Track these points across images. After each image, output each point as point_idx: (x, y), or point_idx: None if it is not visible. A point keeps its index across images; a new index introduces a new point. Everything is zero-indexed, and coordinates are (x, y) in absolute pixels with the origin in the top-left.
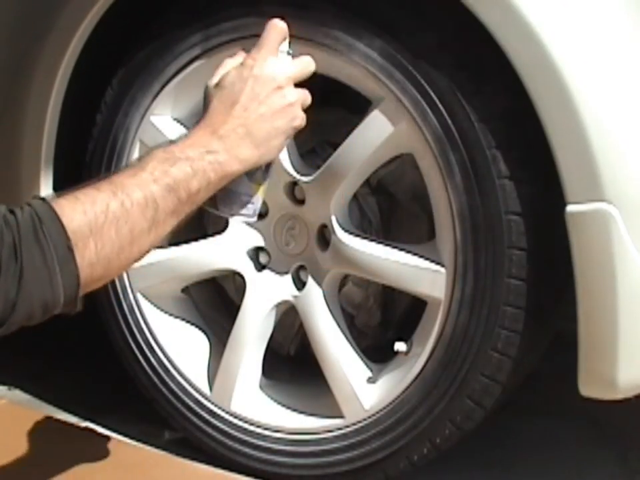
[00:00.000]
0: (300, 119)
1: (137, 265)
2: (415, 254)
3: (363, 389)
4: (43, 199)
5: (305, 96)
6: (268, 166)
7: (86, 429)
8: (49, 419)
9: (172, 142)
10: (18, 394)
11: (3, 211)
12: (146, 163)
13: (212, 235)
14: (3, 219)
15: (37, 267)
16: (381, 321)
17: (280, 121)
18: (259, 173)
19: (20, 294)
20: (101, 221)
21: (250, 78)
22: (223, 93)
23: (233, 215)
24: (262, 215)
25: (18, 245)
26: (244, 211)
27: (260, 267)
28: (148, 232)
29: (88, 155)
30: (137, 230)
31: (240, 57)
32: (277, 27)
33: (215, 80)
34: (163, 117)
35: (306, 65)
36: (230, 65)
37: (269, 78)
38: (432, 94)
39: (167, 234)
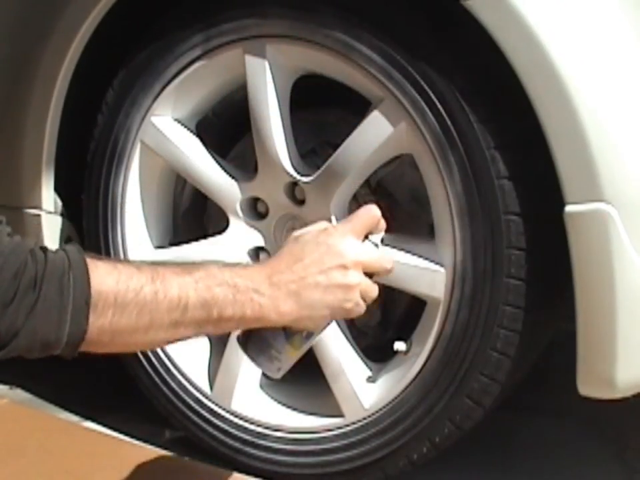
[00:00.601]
0: (354, 304)
1: None
2: (415, 254)
3: (363, 388)
4: (80, 249)
5: (370, 287)
6: (309, 335)
7: (87, 428)
8: (50, 418)
9: (229, 265)
10: (19, 393)
11: (32, 245)
12: (195, 269)
13: (213, 235)
14: (30, 253)
15: (51, 306)
16: (380, 321)
17: (331, 296)
18: (298, 337)
19: (26, 325)
20: (129, 298)
21: (323, 245)
22: (294, 246)
23: (256, 362)
24: (262, 215)
25: (40, 279)
26: (268, 364)
27: None
28: (166, 329)
29: (89, 156)
30: (157, 322)
31: (327, 223)
32: (371, 213)
33: (298, 232)
34: (163, 118)
35: (383, 261)
36: (318, 226)
37: (339, 252)
38: (431, 95)
39: (180, 340)
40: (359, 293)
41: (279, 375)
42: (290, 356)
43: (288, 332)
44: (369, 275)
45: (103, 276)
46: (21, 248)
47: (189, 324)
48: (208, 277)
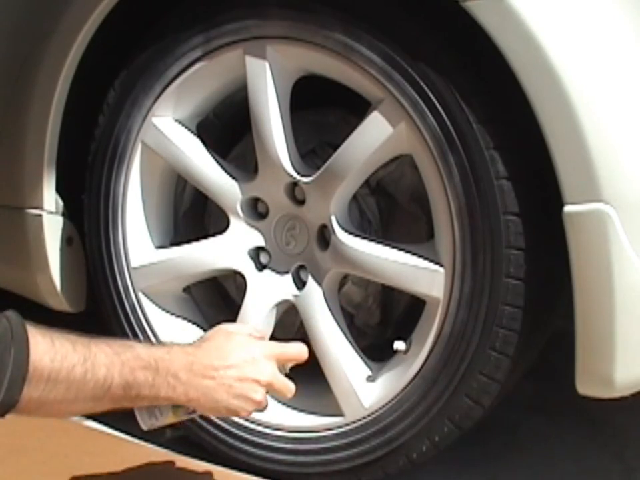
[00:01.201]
0: (245, 414)
1: (138, 264)
2: (414, 254)
3: (363, 388)
4: (22, 322)
5: (265, 404)
6: (193, 412)
7: (88, 427)
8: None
9: (156, 345)
10: None
11: None
12: (124, 350)
13: (213, 235)
14: None
15: None
16: (380, 320)
17: (236, 401)
18: (183, 409)
19: None
20: (61, 376)
21: (250, 354)
22: (224, 343)
23: (137, 411)
24: (262, 216)
25: None
26: (146, 418)
27: (260, 267)
28: (86, 402)
29: (90, 156)
30: (81, 397)
31: (260, 334)
32: (301, 354)
33: (232, 327)
34: (164, 119)
35: (287, 391)
36: (249, 330)
37: (260, 370)
38: (431, 95)
39: (95, 411)
40: (255, 408)
41: (146, 428)
42: (168, 420)
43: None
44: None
45: (41, 353)
46: None
47: (109, 400)
48: (134, 359)
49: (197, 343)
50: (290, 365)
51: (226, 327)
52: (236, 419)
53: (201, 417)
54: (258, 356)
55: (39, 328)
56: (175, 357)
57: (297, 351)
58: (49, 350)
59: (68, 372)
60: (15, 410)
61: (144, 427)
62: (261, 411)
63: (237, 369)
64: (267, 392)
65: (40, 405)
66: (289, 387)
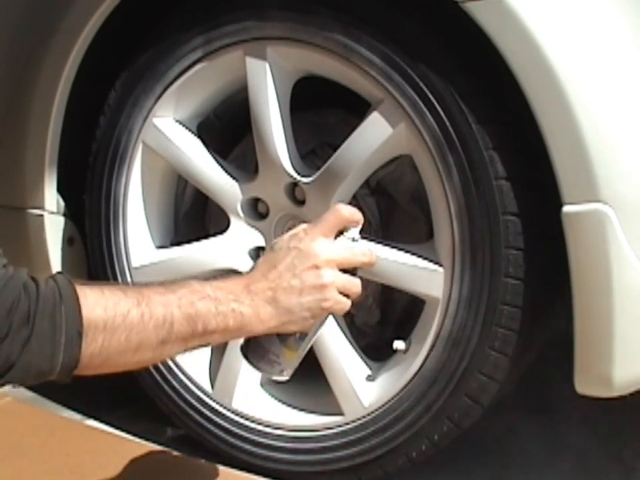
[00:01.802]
0: (333, 302)
1: (139, 264)
2: (414, 254)
3: (362, 387)
4: (69, 280)
5: (349, 283)
6: (303, 336)
7: (89, 426)
8: (52, 416)
9: (209, 279)
10: (22, 391)
11: (24, 278)
12: (178, 287)
13: (213, 235)
14: (22, 286)
15: (45, 340)
16: (380, 320)
17: (308, 297)
18: (292, 339)
19: (20, 358)
20: (117, 323)
21: (294, 250)
22: (269, 255)
23: (258, 368)
24: (263, 216)
25: (33, 315)
26: (269, 368)
27: None
28: (154, 348)
29: (91, 156)
30: (145, 342)
31: (300, 227)
32: (338, 213)
33: (274, 241)
34: (165, 119)
35: (358, 255)
36: (291, 232)
37: (309, 254)
38: (430, 96)
39: (168, 357)
40: (337, 290)
41: (284, 377)
42: (288, 358)
43: (281, 336)
44: (349, 271)
45: (92, 305)
46: (13, 282)
47: (176, 340)
48: (190, 293)
49: (250, 268)
50: (355, 229)
51: (270, 244)
52: (238, 418)
53: (203, 416)
54: (301, 245)
55: (87, 283)
56: (230, 283)
57: (334, 216)
58: (100, 300)
59: (124, 317)
60: (79, 369)
61: (280, 376)
62: (353, 293)
63: (288, 268)
64: (345, 272)
65: (104, 358)
66: (358, 250)
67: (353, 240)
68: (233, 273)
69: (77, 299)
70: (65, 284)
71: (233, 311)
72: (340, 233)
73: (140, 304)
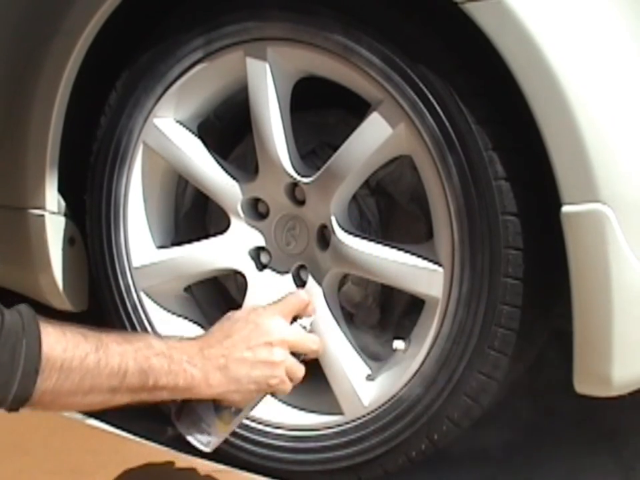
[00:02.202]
0: (279, 381)
1: (139, 264)
2: (413, 254)
3: (362, 386)
4: (34, 315)
5: (295, 367)
6: (238, 411)
7: (90, 425)
8: (53, 415)
9: (166, 337)
10: None
11: None
12: (136, 340)
13: (214, 235)
14: None
15: (2, 370)
16: (379, 320)
17: (257, 371)
18: (227, 412)
19: None
20: (74, 365)
21: (252, 323)
22: (225, 324)
23: (188, 434)
24: (263, 216)
25: None
26: (199, 437)
27: (261, 267)
28: (104, 394)
29: (92, 157)
30: (96, 388)
31: (258, 305)
32: (299, 298)
33: (231, 312)
34: (165, 120)
35: (309, 342)
36: (252, 305)
37: (266, 331)
38: (430, 97)
39: (113, 405)
40: (284, 371)
41: (209, 449)
42: (219, 430)
43: (217, 406)
44: (296, 355)
45: (52, 343)
46: None
47: (126, 390)
48: (146, 348)
49: (205, 332)
50: (308, 319)
51: (227, 314)
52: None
53: None
54: (260, 320)
55: (50, 321)
56: (187, 345)
57: (296, 299)
58: (61, 340)
59: (81, 360)
60: (30, 403)
61: (204, 448)
62: (296, 378)
63: (243, 340)
64: (292, 355)
65: (55, 396)
66: (309, 337)
67: (305, 328)
68: (233, 272)
69: (39, 335)
70: (30, 319)
71: (184, 372)
72: (294, 318)
73: (98, 350)
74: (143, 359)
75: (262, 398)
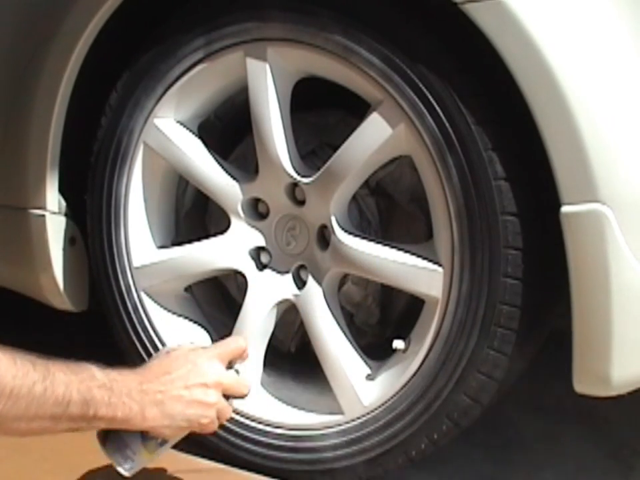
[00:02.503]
0: (210, 421)
1: (140, 264)
2: (413, 254)
3: (362, 386)
4: None
5: (226, 409)
6: (163, 442)
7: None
8: None
9: (107, 369)
10: None
11: None
12: (80, 370)
13: (214, 235)
14: None
15: None
16: (379, 319)
17: (191, 410)
18: (154, 442)
19: None
20: (22, 393)
21: (190, 363)
22: (165, 359)
23: (112, 458)
24: (263, 216)
25: None
26: (122, 462)
27: (261, 267)
28: (46, 421)
29: (93, 157)
30: (40, 415)
31: (199, 345)
32: (238, 344)
33: (171, 347)
34: (166, 120)
35: (241, 387)
36: (192, 346)
37: (203, 372)
38: (430, 97)
39: (52, 432)
40: (215, 412)
41: (129, 474)
42: (143, 458)
43: (145, 436)
44: (226, 397)
45: (3, 370)
46: None
47: (67, 419)
48: (90, 379)
49: (144, 365)
50: (238, 362)
51: (165, 349)
52: (238, 417)
53: None
54: (199, 361)
55: (1, 347)
56: (127, 378)
57: (235, 345)
58: (11, 367)
59: (29, 389)
60: None
61: (126, 473)
62: (224, 418)
63: (182, 379)
64: (225, 396)
65: (1, 421)
66: (242, 382)
67: (236, 371)
68: (234, 272)
69: None
70: None
71: (123, 404)
72: (229, 362)
73: (45, 379)
74: (86, 390)
75: (187, 433)
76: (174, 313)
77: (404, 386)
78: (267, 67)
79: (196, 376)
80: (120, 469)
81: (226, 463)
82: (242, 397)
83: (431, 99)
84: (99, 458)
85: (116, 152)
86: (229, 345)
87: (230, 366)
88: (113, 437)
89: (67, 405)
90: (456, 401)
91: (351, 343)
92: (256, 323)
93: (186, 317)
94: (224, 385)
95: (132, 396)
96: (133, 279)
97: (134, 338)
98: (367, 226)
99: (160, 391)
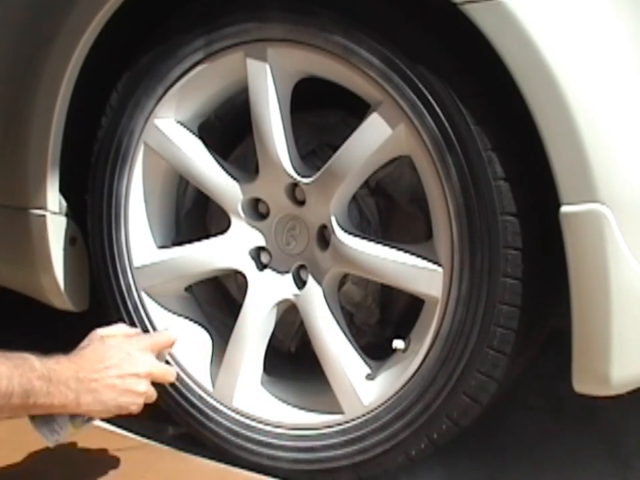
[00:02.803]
0: (137, 407)
1: (140, 264)
2: (413, 253)
3: (362, 386)
4: None
5: (153, 395)
6: (89, 420)
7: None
8: None
9: (45, 359)
10: None
11: None
12: (20, 362)
13: (214, 235)
14: None
15: None
16: (379, 319)
17: (124, 398)
18: (80, 419)
19: None
20: None
21: (124, 353)
22: (100, 347)
23: (39, 430)
24: (263, 216)
25: None
26: (48, 436)
27: (261, 267)
28: None
29: (93, 157)
30: None
31: (134, 331)
32: (168, 337)
33: (104, 331)
34: (166, 120)
35: (169, 375)
36: (123, 330)
37: (136, 363)
38: (429, 97)
39: None
40: (144, 399)
41: (53, 445)
42: (69, 433)
43: (73, 414)
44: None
45: None
46: None
47: (9, 409)
48: (30, 371)
49: (77, 351)
50: (166, 352)
51: (99, 331)
52: (239, 417)
53: (204, 415)
54: (132, 351)
55: None
56: (64, 367)
57: (166, 337)
58: None
59: None
60: None
61: (50, 443)
62: (150, 401)
63: (116, 368)
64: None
65: None
66: (169, 371)
67: (167, 362)
68: (234, 272)
69: None
70: None
71: (60, 393)
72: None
73: None
74: (27, 382)
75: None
76: (174, 313)
77: (404, 385)
78: (267, 67)
79: (129, 366)
80: (46, 441)
81: (226, 463)
82: (169, 383)
83: (431, 99)
84: (100, 457)
85: (116, 152)
86: (161, 336)
87: (159, 356)
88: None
89: (9, 397)
90: (456, 400)
91: (350, 342)
92: (256, 322)
93: (186, 317)
94: (154, 374)
95: (68, 385)
96: (134, 279)
97: None
98: (366, 226)
99: (95, 379)
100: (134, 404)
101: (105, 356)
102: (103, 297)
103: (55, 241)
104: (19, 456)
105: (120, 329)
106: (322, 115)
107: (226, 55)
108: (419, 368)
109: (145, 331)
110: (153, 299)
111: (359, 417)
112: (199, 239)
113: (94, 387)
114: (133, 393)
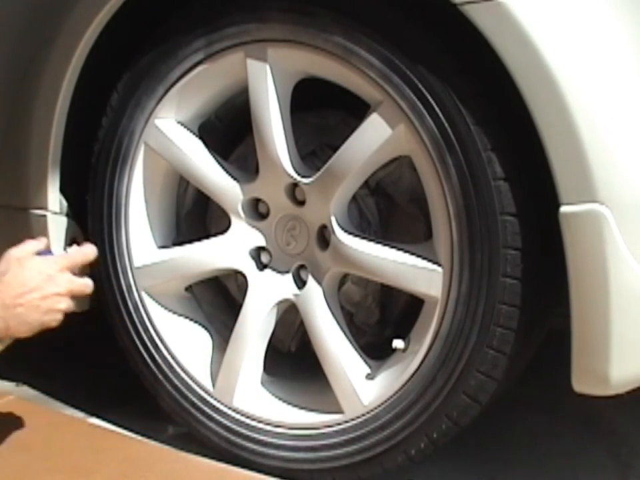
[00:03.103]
0: (56, 323)
1: (141, 264)
2: (413, 253)
3: (362, 385)
4: None
5: (71, 307)
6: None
7: (92, 424)
8: (55, 414)
9: None
10: (26, 390)
11: None
12: None
13: (214, 235)
14: None
15: None
16: (379, 319)
17: (47, 317)
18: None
19: None
20: None
21: (44, 274)
22: (20, 272)
23: None
24: (263, 216)
25: None
26: None
27: (261, 267)
28: None
29: (94, 157)
30: None
31: (43, 244)
32: (84, 253)
33: (19, 253)
34: (166, 120)
35: (85, 288)
36: (33, 246)
37: (57, 283)
38: (429, 98)
39: None
40: (64, 314)
41: None
42: None
43: None
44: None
45: None
46: None
47: None
48: None
49: None
50: (82, 264)
51: (13, 253)
52: (239, 417)
53: (204, 415)
54: (51, 272)
55: None
56: None
57: (81, 254)
58: None
59: None
60: None
61: None
62: (68, 311)
63: (38, 290)
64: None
65: None
66: (87, 285)
67: (88, 276)
68: (234, 272)
69: None
70: None
71: None
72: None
73: None
74: None
75: None
76: (174, 313)
77: (403, 385)
78: (267, 67)
79: (50, 287)
80: None
81: (226, 462)
82: (86, 295)
83: (431, 100)
84: (100, 457)
85: (117, 152)
86: (77, 255)
87: (76, 271)
88: None
89: None
90: (455, 400)
91: (350, 342)
92: (256, 322)
93: (186, 317)
94: (74, 290)
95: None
96: (134, 279)
97: (134, 337)
98: (366, 226)
99: (20, 304)
100: (54, 320)
101: (27, 280)
102: (104, 297)
103: (55, 241)
104: (19, 453)
105: (31, 246)
106: (322, 115)
107: (226, 56)
108: (418, 368)
109: (146, 330)
110: (153, 299)
111: (358, 417)
112: (199, 239)
113: (19, 311)
114: (55, 311)
